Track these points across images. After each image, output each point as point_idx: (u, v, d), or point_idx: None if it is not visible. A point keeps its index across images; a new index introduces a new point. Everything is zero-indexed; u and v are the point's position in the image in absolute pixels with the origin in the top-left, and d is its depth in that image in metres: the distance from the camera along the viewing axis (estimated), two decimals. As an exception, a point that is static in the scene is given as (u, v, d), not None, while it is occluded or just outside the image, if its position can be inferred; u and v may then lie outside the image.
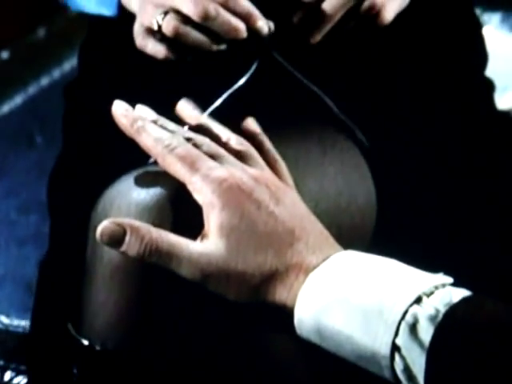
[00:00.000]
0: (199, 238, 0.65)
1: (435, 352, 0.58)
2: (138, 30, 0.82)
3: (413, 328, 0.59)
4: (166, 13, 0.79)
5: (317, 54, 0.86)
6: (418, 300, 0.60)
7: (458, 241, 0.86)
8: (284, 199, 0.66)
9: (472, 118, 0.92)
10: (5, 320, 1.02)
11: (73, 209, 0.86)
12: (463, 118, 0.92)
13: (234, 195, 0.65)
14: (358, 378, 0.63)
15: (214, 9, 0.78)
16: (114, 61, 0.91)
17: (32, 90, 1.33)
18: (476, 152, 0.91)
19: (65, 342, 0.70)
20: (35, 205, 1.09)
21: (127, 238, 0.64)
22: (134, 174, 0.70)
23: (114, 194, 0.69)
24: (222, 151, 0.68)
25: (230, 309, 0.66)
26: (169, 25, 0.79)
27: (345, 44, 0.88)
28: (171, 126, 0.70)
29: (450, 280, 0.62)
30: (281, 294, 0.64)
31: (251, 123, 0.72)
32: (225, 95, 0.76)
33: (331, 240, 0.66)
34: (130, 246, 0.64)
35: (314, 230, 0.66)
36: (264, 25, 0.79)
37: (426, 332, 0.59)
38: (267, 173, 0.68)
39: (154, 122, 0.69)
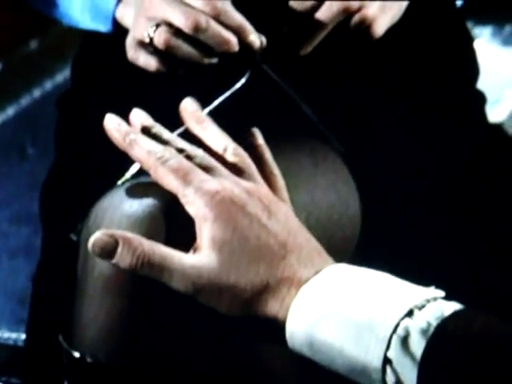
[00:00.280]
0: (191, 251, 0.65)
1: (427, 365, 0.58)
2: (130, 42, 0.82)
3: (404, 341, 0.59)
4: (157, 25, 0.80)
5: (304, 65, 0.87)
6: (410, 313, 0.60)
7: (442, 251, 0.86)
8: (276, 213, 0.66)
9: (463, 131, 0.93)
10: (-5, 332, 1.02)
11: (65, 221, 0.86)
12: (454, 130, 0.92)
13: (226, 208, 0.65)
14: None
15: (205, 21, 0.78)
16: (107, 73, 0.91)
17: (24, 101, 1.33)
18: (466, 163, 0.91)
19: (56, 354, 0.70)
20: (27, 216, 1.09)
21: (119, 250, 0.64)
22: (126, 185, 0.70)
23: (106, 205, 0.69)
24: (214, 163, 0.68)
25: (221, 322, 0.66)
26: (160, 37, 0.79)
27: (334, 55, 0.88)
28: (166, 134, 0.70)
29: (442, 293, 0.62)
30: (272, 308, 0.64)
31: (256, 134, 0.72)
32: (211, 106, 0.76)
33: (323, 254, 0.66)
34: (122, 257, 0.64)
35: (306, 243, 0.66)
36: (256, 39, 0.80)
37: (418, 345, 0.59)
38: (260, 186, 0.68)
39: (150, 128, 0.69)
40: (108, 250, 0.64)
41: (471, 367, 0.58)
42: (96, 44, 0.93)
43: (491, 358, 0.58)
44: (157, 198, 0.68)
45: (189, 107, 0.71)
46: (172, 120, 0.72)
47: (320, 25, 0.84)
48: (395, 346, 0.59)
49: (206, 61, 0.80)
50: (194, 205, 0.65)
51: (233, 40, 0.79)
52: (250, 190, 0.67)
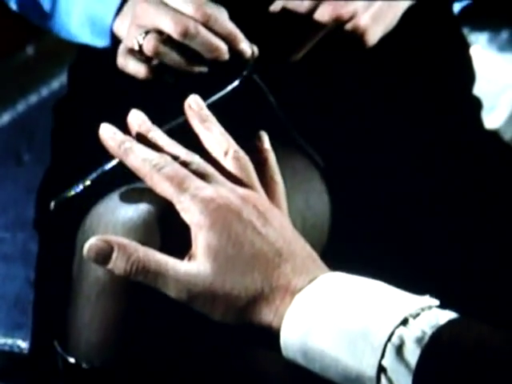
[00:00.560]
0: (186, 258, 0.65)
1: (421, 374, 0.58)
2: (121, 50, 0.82)
3: (399, 350, 0.59)
4: (147, 33, 0.80)
5: (293, 77, 0.87)
6: (405, 322, 0.60)
7: (440, 259, 0.86)
8: (272, 220, 0.66)
9: (459, 137, 0.93)
10: (-9, 338, 1.02)
11: (60, 227, 0.86)
12: (450, 136, 0.92)
13: (221, 215, 0.65)
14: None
15: (194, 27, 0.78)
16: (104, 80, 0.92)
17: (20, 107, 1.33)
18: (462, 170, 0.91)
19: (52, 360, 0.70)
20: (23, 222, 1.09)
21: (114, 256, 0.64)
22: (121, 191, 0.70)
23: (101, 211, 0.69)
24: (210, 169, 0.68)
25: (216, 328, 0.66)
26: (149, 44, 0.79)
27: (327, 63, 0.88)
28: (164, 139, 0.69)
29: (436, 302, 0.62)
30: (267, 316, 0.64)
31: (263, 137, 0.72)
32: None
33: (318, 261, 0.66)
34: (117, 263, 0.64)
35: (301, 251, 0.66)
36: (247, 47, 0.80)
37: (413, 354, 0.59)
38: (257, 193, 0.68)
39: (147, 132, 0.69)
40: (103, 256, 0.64)
41: (466, 376, 0.58)
42: (92, 51, 0.93)
43: (486, 367, 0.58)
44: (152, 205, 0.68)
45: (193, 105, 0.70)
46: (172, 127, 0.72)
47: (311, 32, 0.84)
48: (390, 354, 0.59)
49: (196, 69, 0.80)
50: (190, 212, 0.65)
51: (223, 47, 0.79)
52: (246, 197, 0.67)
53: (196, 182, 0.66)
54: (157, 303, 0.66)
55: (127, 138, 0.68)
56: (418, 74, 0.93)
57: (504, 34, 1.20)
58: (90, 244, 0.64)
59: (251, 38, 0.80)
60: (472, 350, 0.58)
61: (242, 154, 0.69)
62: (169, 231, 0.67)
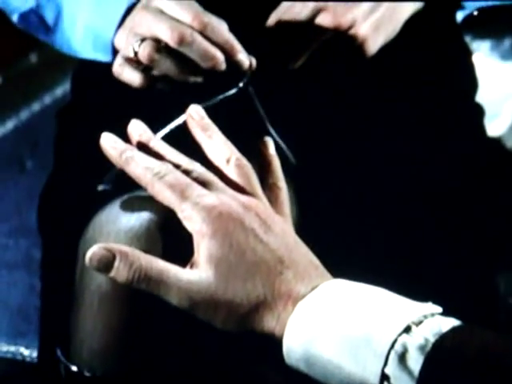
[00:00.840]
0: (188, 266, 0.65)
1: (424, 382, 0.58)
2: (117, 59, 0.82)
3: (402, 357, 0.59)
4: (143, 40, 0.80)
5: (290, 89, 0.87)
6: (407, 329, 0.60)
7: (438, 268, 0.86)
8: (274, 227, 0.66)
9: (462, 144, 0.93)
10: (-6, 346, 1.02)
11: (63, 234, 0.86)
12: (453, 144, 0.92)
13: (223, 223, 0.65)
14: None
15: (191, 34, 0.78)
16: (107, 88, 0.91)
17: (24, 115, 1.33)
18: (465, 177, 0.91)
19: (55, 368, 0.70)
20: (26, 229, 1.09)
21: (116, 264, 0.64)
22: (123, 200, 0.70)
23: (103, 220, 0.69)
24: (212, 177, 0.68)
25: (219, 335, 0.66)
26: (144, 51, 0.79)
27: (327, 71, 0.88)
28: (165, 147, 0.69)
29: (439, 309, 0.61)
30: (269, 323, 0.64)
31: (267, 143, 0.72)
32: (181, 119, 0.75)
33: (320, 268, 0.66)
34: (119, 271, 0.64)
35: (303, 258, 0.66)
36: (245, 59, 0.79)
37: (416, 361, 0.58)
38: (259, 200, 0.68)
39: (147, 140, 0.69)
40: (105, 264, 0.64)
41: (469, 383, 0.58)
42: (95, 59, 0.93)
43: (489, 375, 0.57)
44: (154, 213, 0.68)
45: (195, 115, 0.71)
46: (169, 135, 0.72)
47: (310, 40, 0.84)
48: (393, 362, 0.59)
49: (192, 79, 0.80)
50: (192, 220, 0.65)
51: (219, 57, 0.78)
52: (248, 204, 0.67)
53: (198, 190, 0.66)
54: (159, 311, 0.66)
55: (128, 146, 0.69)
56: (421, 82, 0.93)
57: (507, 42, 1.20)
58: (93, 252, 0.64)
59: (250, 49, 0.80)
60: (475, 357, 0.58)
61: (244, 161, 0.69)
62: (171, 239, 0.67)
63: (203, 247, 0.64)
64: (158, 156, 0.68)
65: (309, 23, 0.84)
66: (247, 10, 0.88)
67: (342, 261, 0.68)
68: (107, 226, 0.68)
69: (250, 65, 0.79)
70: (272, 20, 0.85)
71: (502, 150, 0.98)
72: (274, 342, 0.63)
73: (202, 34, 0.78)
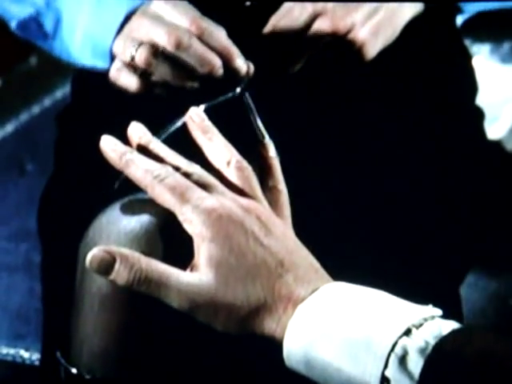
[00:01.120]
0: (189, 268, 0.65)
1: (425, 384, 0.58)
2: (114, 63, 0.82)
3: (402, 360, 0.59)
4: (140, 45, 0.79)
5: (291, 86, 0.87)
6: (408, 332, 0.60)
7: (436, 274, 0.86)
8: (274, 230, 0.66)
9: (462, 147, 0.93)
10: (-7, 348, 1.02)
11: (63, 237, 0.86)
12: (452, 147, 0.92)
13: (223, 226, 0.65)
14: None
15: (188, 39, 0.78)
16: (107, 90, 0.91)
17: (23, 117, 1.34)
18: (465, 180, 0.91)
19: (55, 370, 0.70)
20: (25, 232, 1.09)
21: (116, 266, 0.64)
22: (123, 202, 0.70)
23: (104, 222, 0.69)
24: (212, 180, 0.68)
25: (219, 339, 0.66)
26: (141, 55, 0.79)
27: (324, 76, 0.88)
28: (165, 150, 0.69)
29: (439, 312, 0.62)
30: (269, 326, 0.64)
31: (268, 145, 0.72)
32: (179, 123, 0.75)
33: (320, 271, 0.66)
34: (120, 274, 0.64)
35: (303, 261, 0.66)
36: (243, 65, 0.79)
37: (416, 364, 0.58)
38: (259, 202, 0.68)
39: (147, 143, 0.69)
40: (105, 267, 0.64)
41: (469, 386, 0.58)
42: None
43: (490, 377, 0.57)
44: (154, 215, 0.68)
45: (195, 117, 0.71)
46: (169, 137, 0.72)
47: (308, 44, 0.84)
48: (393, 364, 0.59)
49: (188, 84, 0.80)
50: (192, 223, 0.65)
51: (216, 62, 0.78)
52: (248, 207, 0.67)
53: (198, 193, 0.66)
54: (159, 314, 0.66)
55: (128, 149, 0.69)
56: (421, 85, 0.93)
57: (506, 45, 1.20)
58: (93, 255, 0.64)
59: (248, 54, 0.80)
60: (475, 360, 0.58)
61: (244, 163, 0.69)
62: (171, 242, 0.67)
63: (203, 250, 0.64)
64: (158, 158, 0.68)
65: (307, 27, 0.84)
66: (245, 14, 0.88)
67: (342, 263, 0.68)
68: (107, 229, 0.68)
69: (248, 71, 0.79)
70: (270, 24, 0.85)
71: (501, 152, 0.98)
72: (275, 345, 0.63)
73: (200, 39, 0.78)
